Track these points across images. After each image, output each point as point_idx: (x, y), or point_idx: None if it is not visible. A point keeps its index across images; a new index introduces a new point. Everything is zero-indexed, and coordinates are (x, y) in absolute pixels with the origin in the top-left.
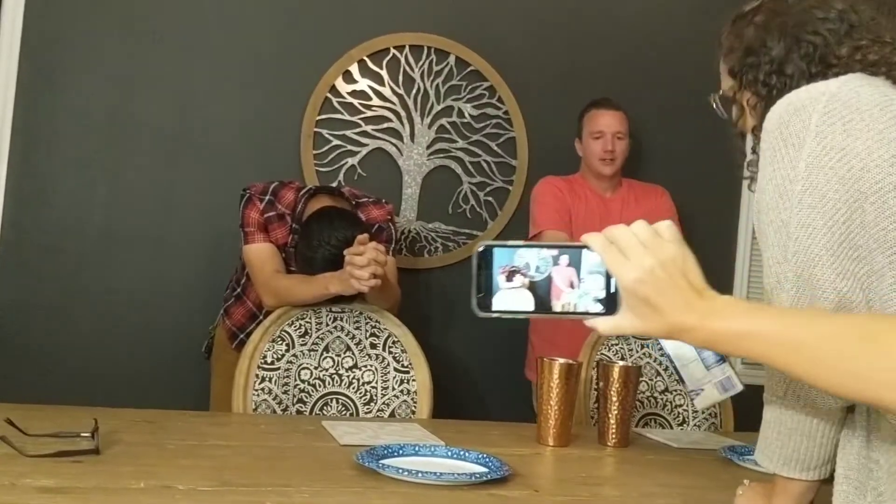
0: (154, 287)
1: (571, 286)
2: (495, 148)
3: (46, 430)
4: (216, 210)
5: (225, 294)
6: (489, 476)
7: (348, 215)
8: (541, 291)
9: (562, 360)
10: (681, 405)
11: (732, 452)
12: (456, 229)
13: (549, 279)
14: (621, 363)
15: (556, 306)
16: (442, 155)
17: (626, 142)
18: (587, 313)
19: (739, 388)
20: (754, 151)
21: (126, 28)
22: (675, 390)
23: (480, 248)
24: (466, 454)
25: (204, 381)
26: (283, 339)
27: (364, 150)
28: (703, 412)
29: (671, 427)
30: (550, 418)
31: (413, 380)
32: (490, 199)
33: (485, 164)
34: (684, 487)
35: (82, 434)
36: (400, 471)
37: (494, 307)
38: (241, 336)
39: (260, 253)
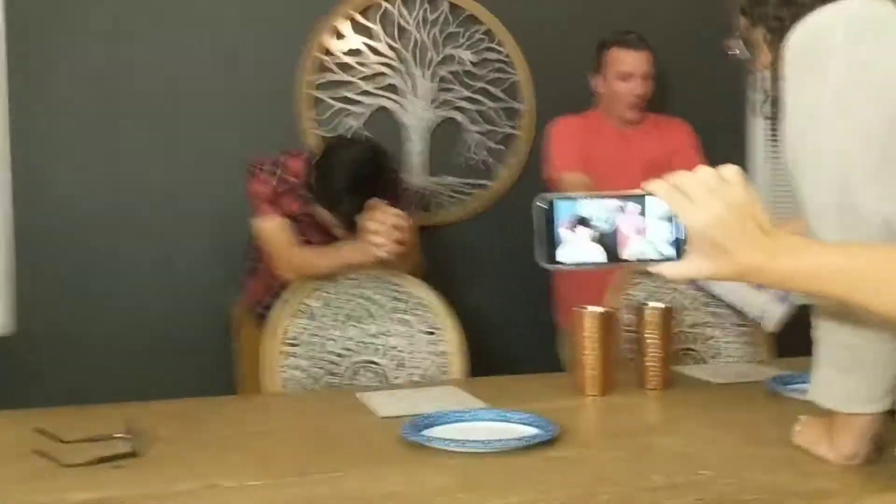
0: (166, 268)
1: (638, 234)
2: (499, 94)
3: (79, 434)
4: (220, 183)
5: (242, 270)
6: (538, 438)
7: (363, 138)
8: (607, 241)
9: (595, 310)
10: (713, 337)
11: (778, 384)
12: (467, 181)
13: (614, 228)
14: (655, 304)
15: (624, 254)
16: (446, 107)
17: (651, 82)
18: (655, 260)
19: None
20: (772, 89)
21: (113, 4)
22: (707, 322)
23: (541, 203)
24: (510, 415)
25: (228, 359)
26: (304, 313)
27: (366, 110)
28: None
29: (706, 361)
30: (590, 368)
31: (442, 340)
32: (499, 146)
33: (490, 112)
34: (739, 427)
35: (116, 436)
36: (447, 442)
37: (560, 258)
38: (259, 310)
39: (271, 225)
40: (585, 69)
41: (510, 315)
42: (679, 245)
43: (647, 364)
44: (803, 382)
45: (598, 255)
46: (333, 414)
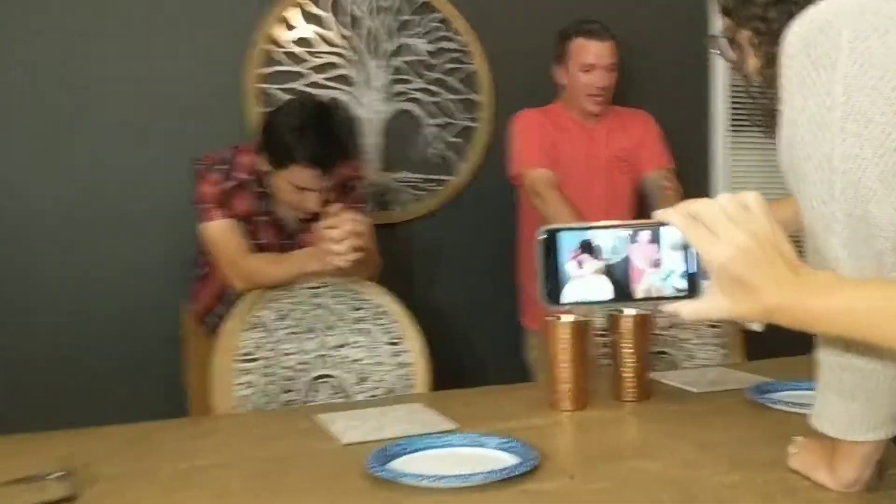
0: (111, 274)
1: (652, 267)
2: (456, 84)
3: (5, 474)
4: (167, 184)
5: (190, 275)
6: (518, 470)
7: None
8: (618, 275)
9: (571, 319)
10: (687, 339)
11: (758, 393)
12: (424, 176)
13: (626, 260)
14: (632, 311)
15: (638, 292)
16: (401, 98)
17: (615, 73)
18: (671, 297)
19: None
20: (763, 94)
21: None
22: (680, 325)
23: (543, 235)
24: (485, 440)
25: (173, 370)
26: (259, 326)
27: None
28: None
29: (678, 366)
30: (564, 382)
31: (406, 351)
32: (456, 139)
33: (447, 103)
34: (726, 447)
35: (51, 476)
36: (420, 478)
37: (566, 299)
38: (210, 319)
39: (220, 230)
40: (546, 59)
41: (474, 316)
42: (694, 280)
43: (624, 375)
44: (781, 391)
45: (608, 291)
46: (292, 440)
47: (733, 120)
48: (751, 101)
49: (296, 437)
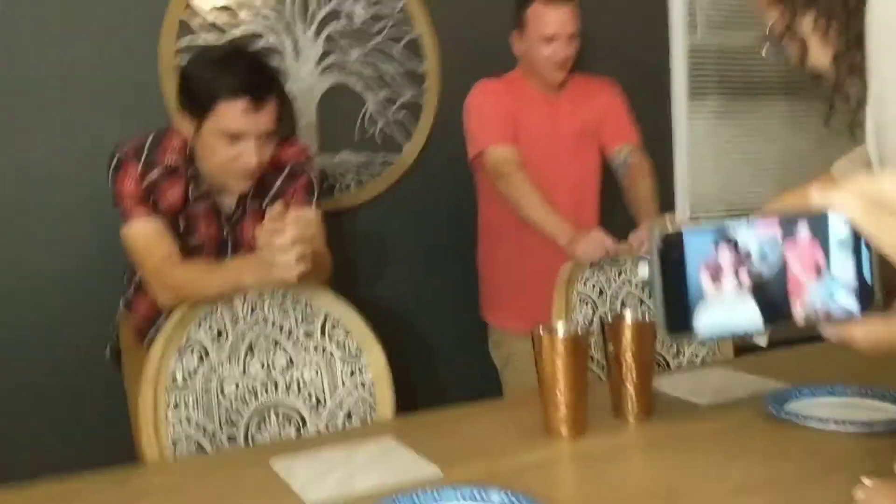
0: (26, 284)
1: (817, 275)
2: (397, 53)
3: None
4: (86, 178)
5: (125, 283)
6: None
7: None
8: (772, 291)
9: (565, 331)
10: None
11: (779, 405)
12: (368, 157)
13: (782, 270)
14: (632, 318)
15: (799, 313)
16: (336, 70)
17: (578, 41)
18: (843, 317)
19: None
20: (838, 90)
21: None
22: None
23: (660, 236)
24: (485, 494)
25: (115, 392)
26: (192, 348)
27: None
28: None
29: (667, 364)
30: (561, 406)
31: (366, 367)
32: (401, 115)
33: (389, 75)
34: (761, 485)
35: None
36: None
37: (701, 329)
38: (152, 332)
39: (143, 234)
40: (496, 21)
41: (430, 312)
42: (865, 291)
43: (625, 391)
44: (800, 398)
45: (756, 315)
46: (243, 495)
47: (693, 86)
48: (828, 98)
49: (248, 495)
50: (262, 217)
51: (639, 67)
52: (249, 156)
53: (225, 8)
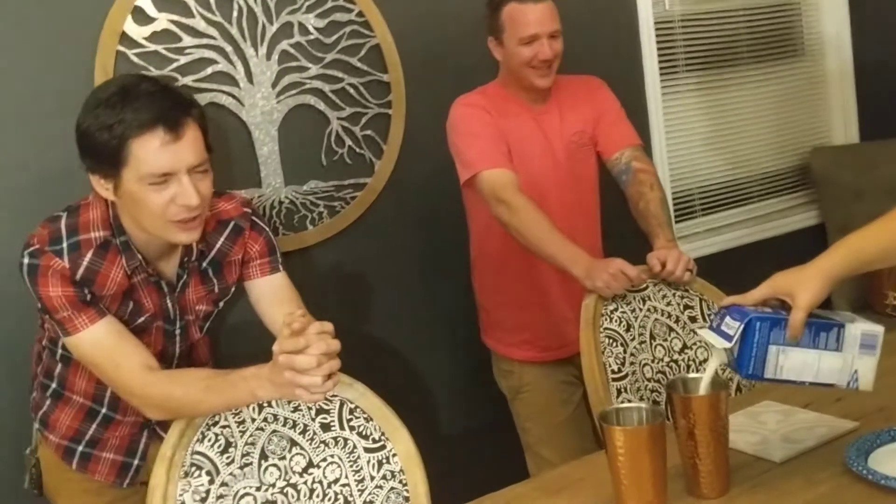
0: None
1: None
2: (358, 64)
3: None
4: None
5: (33, 397)
6: None
7: None
8: None
9: (644, 423)
10: (704, 360)
11: (862, 460)
12: (338, 183)
13: None
14: (705, 385)
15: None
16: (294, 90)
17: (561, 39)
18: None
19: (880, 329)
20: None
21: None
22: (695, 343)
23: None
24: None
25: None
26: (199, 467)
27: None
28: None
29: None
30: (639, 500)
31: (393, 455)
32: (369, 132)
33: (351, 89)
34: None
35: None
36: None
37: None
38: (81, 448)
39: (97, 345)
40: (460, 21)
41: (426, 345)
42: None
43: (701, 468)
44: (882, 445)
45: None
46: None
47: (662, 64)
48: None
49: None
50: (203, 279)
51: (609, 49)
52: (187, 194)
53: (163, 34)
